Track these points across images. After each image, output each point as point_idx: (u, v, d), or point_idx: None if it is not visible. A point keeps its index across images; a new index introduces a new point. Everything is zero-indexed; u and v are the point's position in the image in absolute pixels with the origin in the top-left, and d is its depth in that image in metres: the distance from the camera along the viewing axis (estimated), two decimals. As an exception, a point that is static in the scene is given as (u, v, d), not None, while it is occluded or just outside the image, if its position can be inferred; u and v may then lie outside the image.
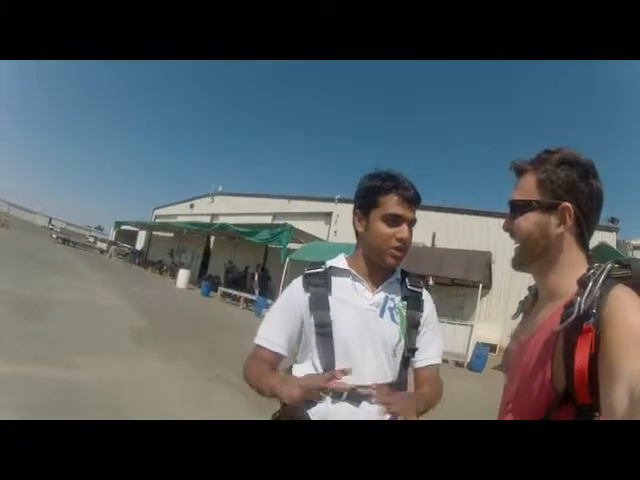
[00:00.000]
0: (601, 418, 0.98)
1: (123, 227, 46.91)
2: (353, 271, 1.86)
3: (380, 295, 1.83)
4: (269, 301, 17.57)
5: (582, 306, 1.02)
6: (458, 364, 14.16)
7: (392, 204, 1.75)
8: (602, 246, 11.51)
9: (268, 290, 22.84)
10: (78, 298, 12.83)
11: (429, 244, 20.87)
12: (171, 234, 39.65)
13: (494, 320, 18.22)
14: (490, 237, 19.22)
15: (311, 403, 1.68)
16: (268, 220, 28.37)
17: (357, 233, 1.91)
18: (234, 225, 23.53)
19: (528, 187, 1.31)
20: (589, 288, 1.04)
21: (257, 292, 21.69)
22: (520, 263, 1.37)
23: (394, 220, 1.75)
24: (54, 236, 49.73)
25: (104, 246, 51.11)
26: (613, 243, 16.43)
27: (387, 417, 1.70)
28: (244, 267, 29.17)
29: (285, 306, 1.89)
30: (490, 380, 11.91)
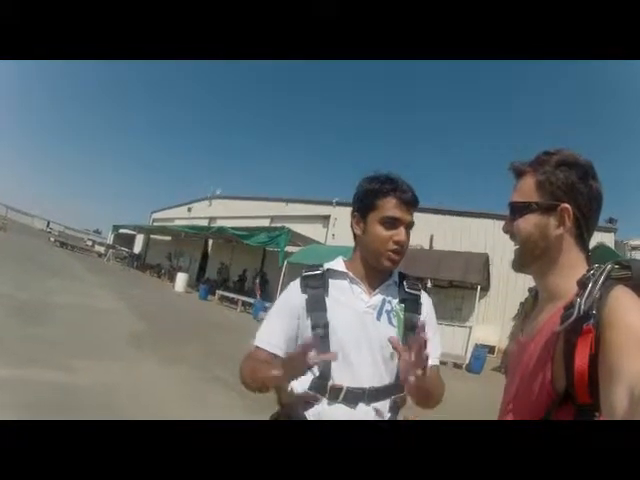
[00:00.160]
0: (601, 418, 0.98)
1: (121, 231, 46.91)
2: (350, 274, 1.86)
3: (377, 298, 1.84)
4: (267, 304, 17.56)
5: (582, 307, 1.02)
6: (457, 366, 14.15)
7: (390, 207, 1.76)
8: (600, 247, 11.48)
9: (266, 293, 22.81)
10: (76, 301, 12.81)
11: (427, 246, 20.89)
12: (169, 237, 39.59)
13: (492, 322, 18.24)
14: (488, 239, 19.25)
15: (307, 404, 1.70)
16: (266, 223, 28.35)
17: (355, 236, 1.91)
18: (232, 228, 23.54)
19: (527, 189, 1.32)
20: (589, 289, 1.04)
21: (259, 296, 21.63)
22: (520, 265, 1.37)
23: (392, 223, 1.76)
24: (52, 239, 49.63)
25: (102, 249, 50.99)
26: (611, 244, 16.44)
27: (385, 418, 1.72)
28: (242, 270, 29.15)
29: (283, 308, 1.89)
30: (489, 381, 11.92)
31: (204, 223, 34.95)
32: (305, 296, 1.82)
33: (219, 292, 23.92)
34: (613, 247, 15.57)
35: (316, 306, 1.79)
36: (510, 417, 1.28)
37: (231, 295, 23.44)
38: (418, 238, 20.14)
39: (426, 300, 1.96)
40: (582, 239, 1.29)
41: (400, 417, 1.81)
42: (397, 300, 1.88)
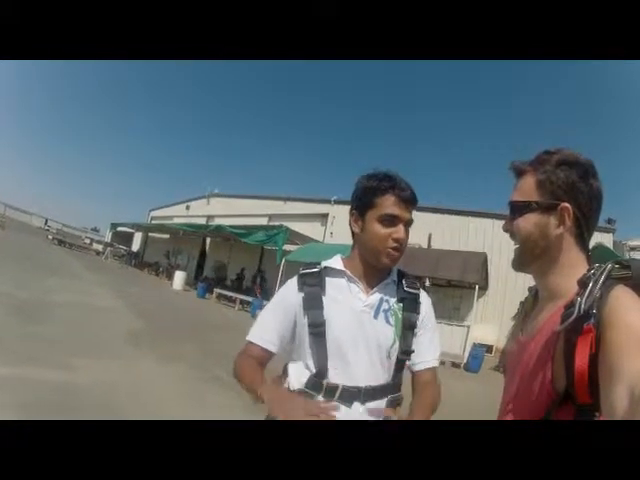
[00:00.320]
0: (601, 418, 0.98)
1: (119, 229, 46.98)
2: (348, 272, 1.85)
3: (375, 296, 1.83)
4: (265, 303, 17.55)
5: (582, 306, 1.02)
6: (455, 365, 14.15)
7: (388, 204, 1.75)
8: (599, 247, 11.49)
9: (264, 292, 22.78)
10: (75, 300, 12.80)
11: (425, 245, 20.89)
12: (167, 236, 39.62)
13: (490, 321, 18.27)
14: (486, 238, 19.29)
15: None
16: (264, 221, 28.38)
17: (353, 234, 1.91)
18: (230, 226, 23.50)
19: (527, 188, 1.32)
20: (589, 288, 1.04)
21: (260, 296, 21.56)
22: (520, 264, 1.37)
23: (390, 221, 1.75)
24: (50, 237, 49.59)
25: (100, 248, 51.04)
26: (610, 244, 16.45)
27: (380, 418, 1.71)
28: (240, 268, 29.13)
29: (279, 305, 1.90)
30: (487, 381, 11.92)
31: (202, 221, 34.99)
32: (302, 294, 1.82)
33: (217, 290, 23.90)
34: (612, 247, 15.57)
35: (313, 304, 1.78)
36: (510, 417, 1.28)
37: (229, 293, 23.44)
38: (416, 237, 20.15)
39: (425, 299, 1.95)
40: (582, 238, 1.29)
41: (396, 417, 1.78)
42: (395, 299, 1.87)
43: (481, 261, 16.97)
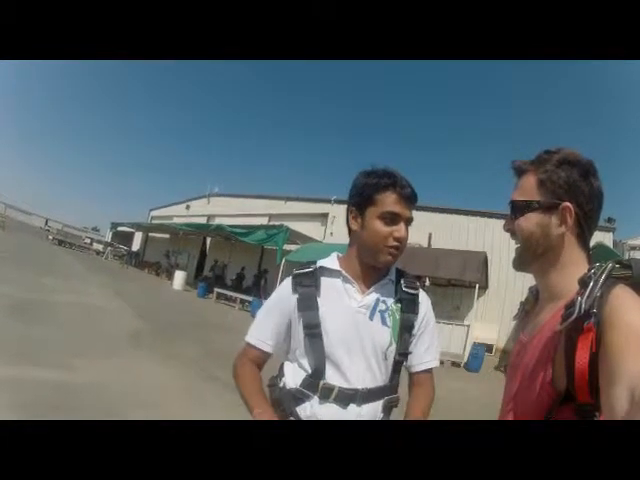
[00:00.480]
0: (601, 418, 0.98)
1: (119, 228, 47.06)
2: (344, 272, 1.82)
3: (371, 297, 1.80)
4: (264, 301, 17.52)
5: (583, 306, 1.02)
6: (455, 364, 14.15)
7: (390, 202, 1.72)
8: (599, 246, 11.52)
9: (265, 291, 22.78)
10: (75, 300, 12.81)
11: (425, 244, 20.89)
12: (167, 235, 39.62)
13: (491, 320, 18.25)
14: (486, 237, 19.27)
15: (298, 401, 1.72)
16: (264, 221, 28.35)
17: (350, 231, 1.87)
18: (230, 226, 23.49)
19: (529, 187, 1.31)
20: (590, 288, 1.04)
21: (263, 297, 21.53)
22: (521, 263, 1.37)
23: (391, 218, 1.72)
24: (50, 237, 49.64)
25: (100, 247, 51.12)
26: (610, 243, 16.46)
27: (377, 418, 1.72)
28: (240, 268, 29.12)
29: (274, 306, 1.89)
30: (487, 380, 11.93)
31: (202, 221, 34.99)
32: (296, 296, 1.80)
33: (217, 290, 23.90)
34: (612, 247, 15.59)
35: (307, 306, 1.76)
36: (510, 416, 1.28)
37: (229, 293, 23.45)
38: (416, 236, 20.15)
39: (424, 300, 1.92)
40: (583, 238, 1.28)
41: (392, 418, 1.79)
42: (393, 299, 1.85)
43: (481, 260, 16.95)
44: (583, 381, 1.00)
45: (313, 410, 1.68)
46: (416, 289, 1.90)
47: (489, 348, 16.80)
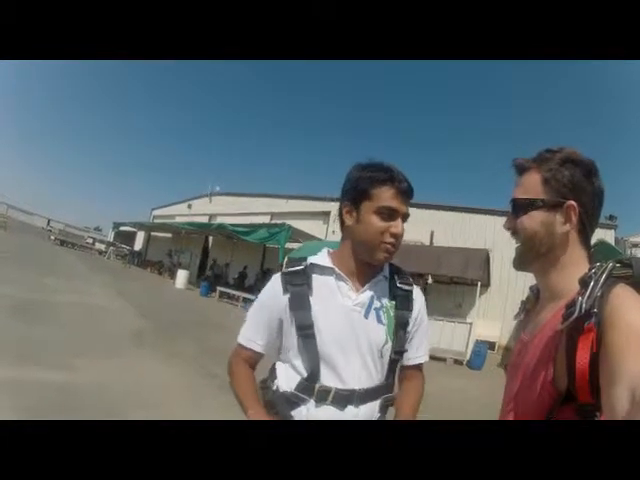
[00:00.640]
0: (602, 418, 0.98)
1: (121, 228, 47.06)
2: (336, 269, 1.76)
3: (365, 294, 1.75)
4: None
5: (583, 306, 1.01)
6: (457, 362, 14.15)
7: (387, 197, 1.66)
8: (601, 244, 11.49)
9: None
10: (78, 300, 12.83)
11: (427, 242, 20.89)
12: (169, 235, 39.57)
13: (493, 318, 18.25)
14: (488, 235, 19.25)
15: (293, 404, 1.68)
16: (266, 220, 28.32)
17: (344, 226, 1.82)
18: (232, 225, 23.46)
19: (532, 185, 1.30)
20: (590, 287, 1.04)
21: None
22: (522, 263, 1.36)
23: (388, 214, 1.66)
24: (52, 238, 49.71)
25: (103, 247, 51.17)
26: (612, 240, 16.44)
27: (374, 419, 1.70)
28: (242, 267, 29.12)
29: (264, 305, 1.83)
30: (490, 378, 11.90)
31: (204, 220, 34.99)
32: (287, 295, 1.73)
33: (220, 289, 23.90)
34: (613, 244, 15.56)
35: (299, 305, 1.70)
36: (511, 416, 1.28)
37: (232, 292, 23.42)
38: (418, 234, 20.17)
39: (418, 296, 1.89)
40: (585, 237, 1.28)
41: (388, 417, 1.77)
42: (388, 296, 1.81)
43: (483, 258, 16.96)
44: (584, 381, 1.00)
45: (309, 413, 1.64)
46: (410, 285, 1.87)
47: (491, 346, 16.80)
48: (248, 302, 20.99)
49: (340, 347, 1.67)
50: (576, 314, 1.02)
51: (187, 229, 30.19)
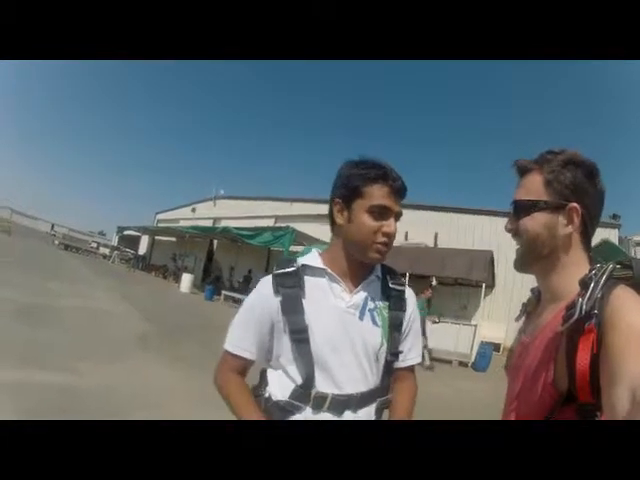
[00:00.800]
0: (603, 418, 0.98)
1: (126, 232, 47.21)
2: (329, 270, 1.70)
3: (359, 295, 1.70)
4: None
5: (584, 307, 1.02)
6: (462, 364, 14.14)
7: (380, 195, 1.61)
8: (605, 243, 11.50)
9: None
10: (82, 304, 12.84)
11: (432, 244, 20.90)
12: (174, 238, 39.64)
13: (498, 319, 18.24)
14: (492, 236, 19.25)
15: (288, 413, 1.61)
16: (270, 223, 28.38)
17: (334, 225, 1.76)
18: (236, 228, 23.49)
19: (535, 187, 1.30)
20: (591, 289, 1.04)
21: None
22: (523, 264, 1.36)
23: (380, 212, 1.61)
24: (56, 242, 49.87)
25: (107, 251, 51.32)
26: (615, 240, 16.43)
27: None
28: (247, 270, 29.16)
29: (254, 309, 1.72)
30: (495, 379, 11.87)
31: (209, 223, 35.09)
32: (279, 298, 1.65)
33: (224, 292, 23.91)
34: (617, 243, 15.55)
35: (292, 309, 1.63)
36: (513, 417, 1.28)
37: (237, 295, 23.40)
38: (423, 236, 20.20)
39: (410, 296, 1.85)
40: (586, 238, 1.29)
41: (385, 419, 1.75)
42: (381, 297, 1.76)
43: (487, 259, 16.98)
44: (584, 382, 1.00)
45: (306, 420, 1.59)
46: (403, 285, 1.83)
47: (496, 347, 16.77)
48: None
49: (335, 351, 1.62)
50: (576, 315, 1.03)
51: (191, 233, 30.26)
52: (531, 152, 1.35)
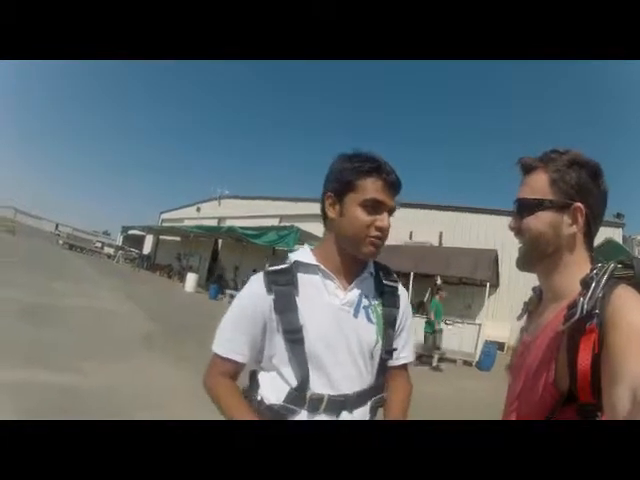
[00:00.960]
0: (603, 418, 0.98)
1: (130, 232, 47.30)
2: (322, 266, 1.66)
3: (353, 292, 1.66)
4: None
5: (585, 307, 1.02)
6: (466, 363, 14.13)
7: (373, 189, 1.57)
8: (609, 242, 11.46)
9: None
10: (86, 304, 12.87)
11: (436, 243, 20.89)
12: (178, 238, 39.63)
13: (502, 318, 18.24)
14: (496, 235, 19.22)
15: (283, 417, 1.56)
16: (275, 222, 28.37)
17: (326, 219, 1.72)
18: (241, 228, 23.48)
19: (540, 185, 1.29)
20: (592, 288, 1.04)
21: None
22: (525, 263, 1.36)
23: (374, 207, 1.57)
24: (61, 242, 49.99)
25: (111, 251, 51.43)
26: (619, 239, 16.40)
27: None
28: (252, 269, 29.16)
29: (245, 309, 1.66)
30: (499, 379, 11.83)
31: (213, 223, 35.10)
32: (272, 296, 1.59)
33: (229, 291, 23.92)
34: (621, 242, 15.52)
35: (285, 307, 1.58)
36: (514, 416, 1.28)
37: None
38: (427, 235, 20.18)
39: (403, 293, 1.83)
40: (589, 238, 1.29)
41: (380, 418, 1.72)
42: (374, 294, 1.73)
43: (492, 258, 16.95)
44: (585, 382, 1.00)
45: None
46: (396, 282, 1.82)
47: (501, 346, 16.78)
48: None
49: (330, 350, 1.58)
50: (578, 315, 1.02)
51: (196, 232, 30.28)
52: (531, 152, 1.35)
